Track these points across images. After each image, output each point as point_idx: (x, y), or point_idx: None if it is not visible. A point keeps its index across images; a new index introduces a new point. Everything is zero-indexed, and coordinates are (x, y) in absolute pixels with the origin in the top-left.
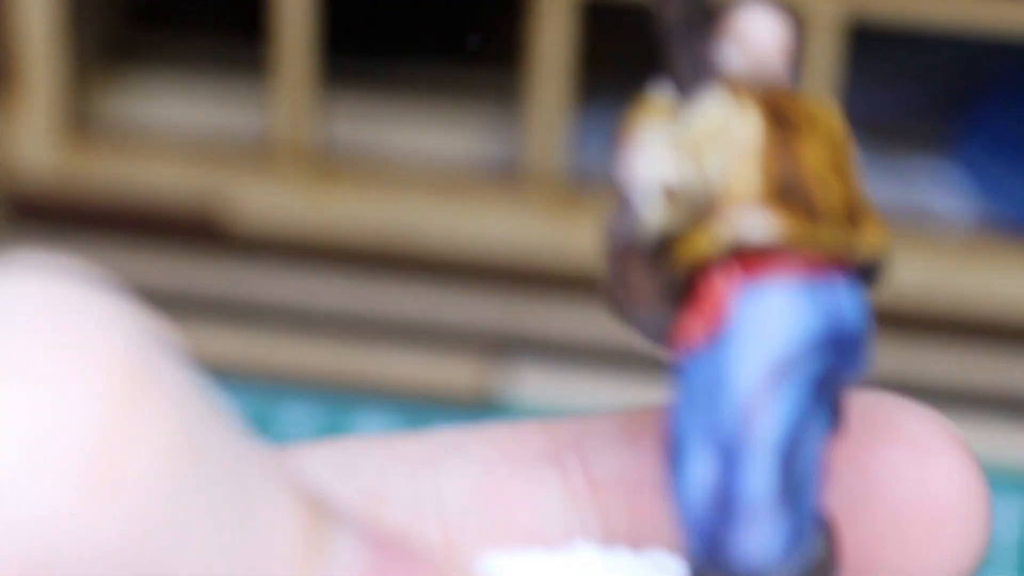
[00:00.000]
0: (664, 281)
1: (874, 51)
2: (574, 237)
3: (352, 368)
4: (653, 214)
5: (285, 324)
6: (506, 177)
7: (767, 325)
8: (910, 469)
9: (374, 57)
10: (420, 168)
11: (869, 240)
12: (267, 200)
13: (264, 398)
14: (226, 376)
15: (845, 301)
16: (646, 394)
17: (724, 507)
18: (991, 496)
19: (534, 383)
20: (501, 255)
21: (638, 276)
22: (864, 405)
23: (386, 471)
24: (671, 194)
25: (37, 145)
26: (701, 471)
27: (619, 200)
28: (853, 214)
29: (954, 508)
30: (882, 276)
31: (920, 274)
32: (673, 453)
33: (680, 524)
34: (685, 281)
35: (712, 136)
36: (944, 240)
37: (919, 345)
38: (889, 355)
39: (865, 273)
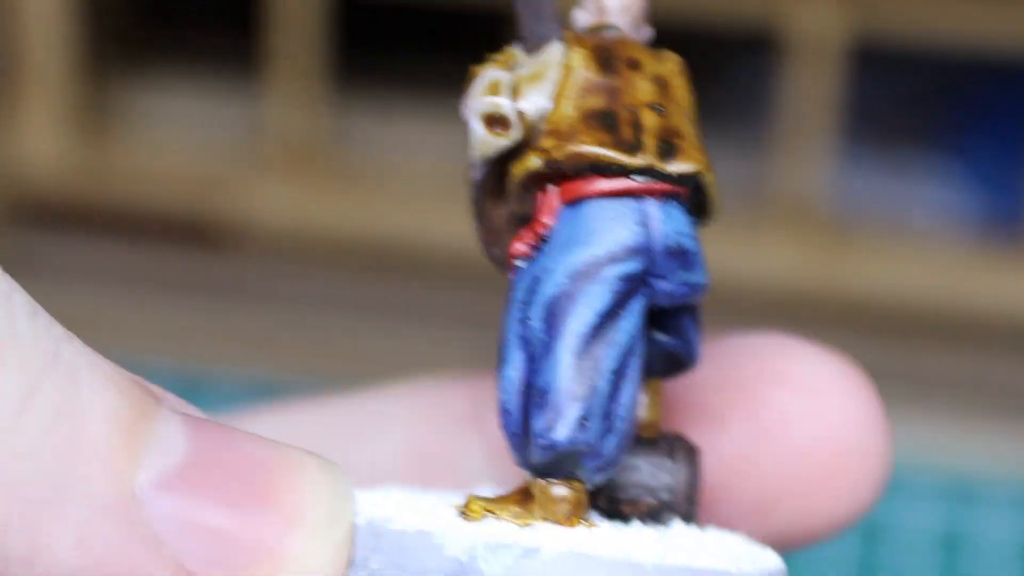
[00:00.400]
0: (507, 208)
1: (875, 50)
2: None
3: (349, 364)
4: (479, 143)
5: (283, 320)
6: None
7: (575, 235)
8: (803, 411)
9: (379, 56)
10: (423, 167)
11: (678, 163)
12: (269, 197)
13: (262, 392)
14: (224, 368)
15: (657, 216)
16: None
17: (528, 398)
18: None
19: None
20: None
21: (490, 210)
22: (758, 348)
23: (323, 436)
24: (492, 123)
25: (44, 141)
26: (512, 371)
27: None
28: (669, 142)
29: (848, 445)
30: (709, 199)
31: (921, 273)
32: (498, 361)
33: (501, 421)
34: (524, 207)
35: (535, 77)
36: (945, 238)
37: (919, 344)
38: (891, 355)
39: (693, 197)
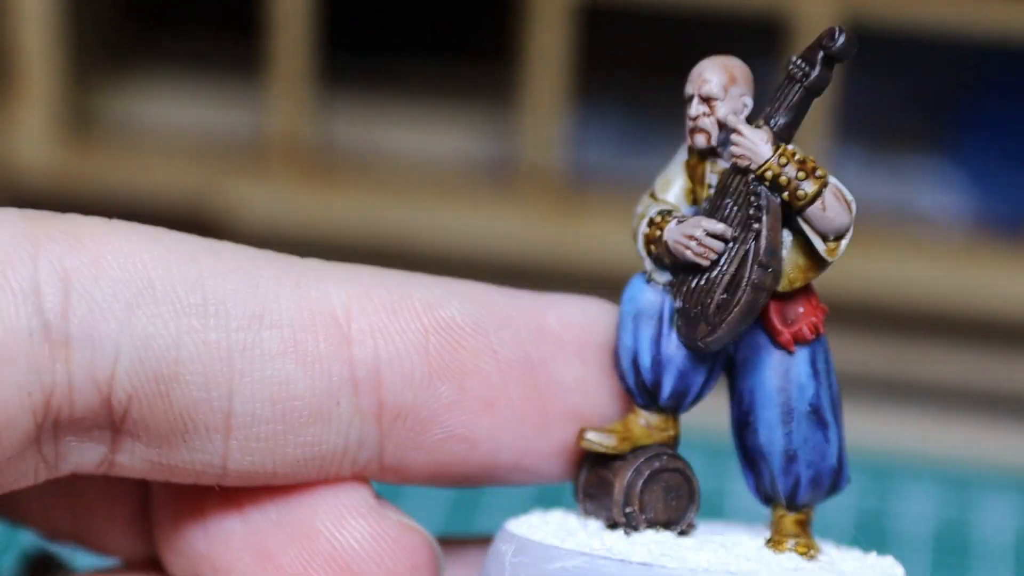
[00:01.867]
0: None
1: (871, 49)
2: (569, 236)
3: None
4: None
5: None
6: (502, 176)
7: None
8: None
9: (370, 56)
10: (416, 167)
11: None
12: (263, 198)
13: None
14: None
15: None
16: None
17: (839, 462)
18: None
19: None
20: (496, 253)
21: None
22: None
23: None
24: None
25: (35, 144)
26: (835, 435)
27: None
28: None
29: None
30: None
31: (918, 273)
32: (811, 419)
33: (811, 466)
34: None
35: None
36: (941, 239)
37: (919, 345)
38: (889, 354)
39: None
